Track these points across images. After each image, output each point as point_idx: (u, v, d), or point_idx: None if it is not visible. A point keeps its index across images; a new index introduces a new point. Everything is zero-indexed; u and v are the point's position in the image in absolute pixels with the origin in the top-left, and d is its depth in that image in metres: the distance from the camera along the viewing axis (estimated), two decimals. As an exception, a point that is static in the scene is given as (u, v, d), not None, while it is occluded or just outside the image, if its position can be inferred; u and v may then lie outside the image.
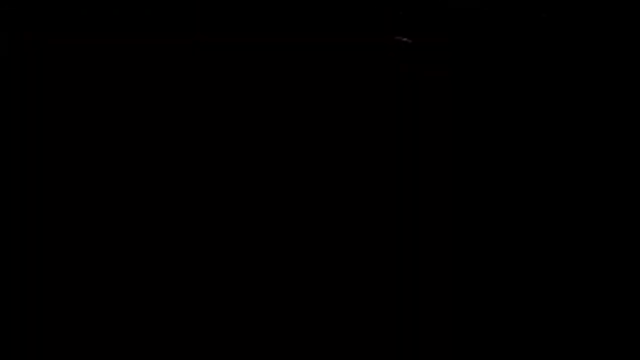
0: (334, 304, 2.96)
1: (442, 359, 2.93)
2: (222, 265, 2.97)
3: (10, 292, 2.98)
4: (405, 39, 2.38)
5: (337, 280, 2.96)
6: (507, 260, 2.94)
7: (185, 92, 2.98)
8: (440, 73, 2.94)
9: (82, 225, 2.96)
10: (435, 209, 2.94)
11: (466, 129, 2.96)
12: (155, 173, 2.97)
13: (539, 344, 2.93)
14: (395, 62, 2.95)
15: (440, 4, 2.96)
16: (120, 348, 2.96)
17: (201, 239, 2.98)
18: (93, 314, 2.96)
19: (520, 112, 2.96)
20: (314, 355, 2.95)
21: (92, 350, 2.96)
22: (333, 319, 2.95)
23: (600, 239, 2.93)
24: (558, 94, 2.95)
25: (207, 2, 3.01)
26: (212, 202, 2.98)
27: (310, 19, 3.00)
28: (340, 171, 2.98)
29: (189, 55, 2.98)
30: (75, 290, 2.96)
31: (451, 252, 2.93)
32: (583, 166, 2.94)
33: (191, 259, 2.97)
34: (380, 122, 2.97)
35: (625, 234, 2.92)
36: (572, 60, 2.95)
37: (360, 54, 2.96)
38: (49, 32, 2.98)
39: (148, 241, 2.97)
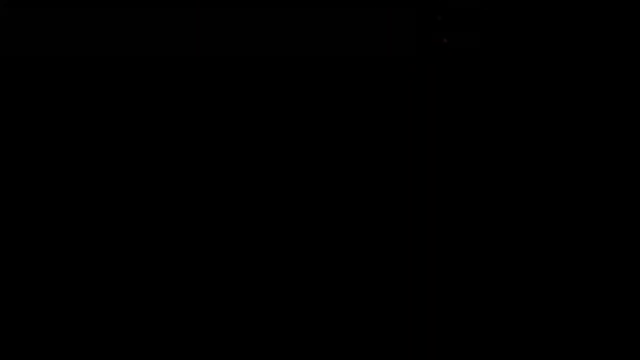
0: (334, 303, 2.94)
1: (439, 358, 2.92)
2: (221, 266, 2.95)
3: (8, 292, 2.97)
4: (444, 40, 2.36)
5: (338, 280, 2.94)
6: (506, 262, 2.93)
7: (187, 108, 2.96)
8: (443, 74, 2.93)
9: (80, 227, 2.94)
10: (433, 211, 2.92)
11: (466, 130, 2.95)
12: (156, 191, 2.96)
13: (535, 344, 2.91)
14: (397, 65, 2.94)
15: (441, 4, 2.94)
16: (118, 348, 2.94)
17: (200, 244, 2.96)
18: (91, 314, 2.94)
19: (521, 112, 2.94)
20: (313, 355, 2.94)
21: (90, 350, 2.95)
22: (331, 318, 2.94)
23: (592, 239, 2.92)
24: (558, 96, 2.94)
25: (209, 16, 3.00)
26: (212, 215, 2.96)
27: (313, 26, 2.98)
28: (340, 176, 2.96)
29: (191, 69, 2.96)
30: (73, 290, 2.94)
31: (448, 252, 2.91)
32: (591, 166, 2.93)
33: (189, 260, 2.95)
34: (379, 124, 2.96)
35: (612, 236, 2.91)
36: (572, 61, 2.94)
37: (363, 59, 2.94)
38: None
39: (146, 243, 2.95)
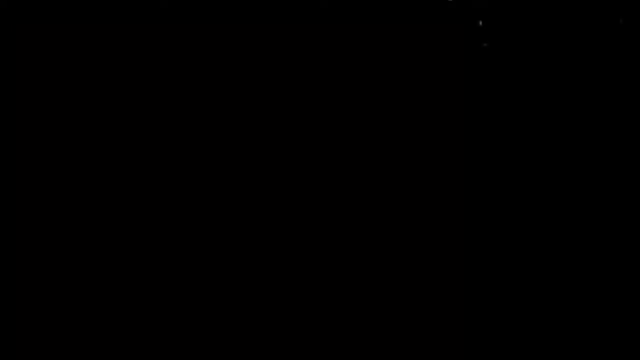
0: (334, 302, 2.92)
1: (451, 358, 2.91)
2: (215, 260, 2.91)
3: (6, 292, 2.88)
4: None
5: (340, 277, 2.92)
6: (518, 260, 2.95)
7: (182, 80, 2.91)
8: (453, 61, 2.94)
9: (60, 218, 2.86)
10: (444, 205, 2.92)
11: (478, 120, 2.97)
12: (144, 164, 2.89)
13: (546, 343, 2.94)
14: (409, 49, 2.94)
15: (442, 3, 2.97)
16: (112, 348, 2.86)
17: (195, 235, 2.91)
18: (86, 314, 2.87)
19: (531, 108, 2.98)
20: (313, 354, 2.90)
21: (85, 350, 2.86)
22: (332, 317, 2.91)
23: (602, 239, 2.97)
24: (566, 96, 2.99)
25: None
26: (205, 194, 2.91)
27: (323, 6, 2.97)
28: (339, 160, 2.95)
29: (189, 41, 2.91)
30: (66, 290, 2.87)
31: (462, 249, 2.91)
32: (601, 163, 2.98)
33: (180, 251, 2.90)
34: (385, 111, 2.96)
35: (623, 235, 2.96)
36: (581, 61, 2.99)
37: (376, 40, 2.93)
38: (24, 18, 2.86)
39: (138, 237, 2.88)
